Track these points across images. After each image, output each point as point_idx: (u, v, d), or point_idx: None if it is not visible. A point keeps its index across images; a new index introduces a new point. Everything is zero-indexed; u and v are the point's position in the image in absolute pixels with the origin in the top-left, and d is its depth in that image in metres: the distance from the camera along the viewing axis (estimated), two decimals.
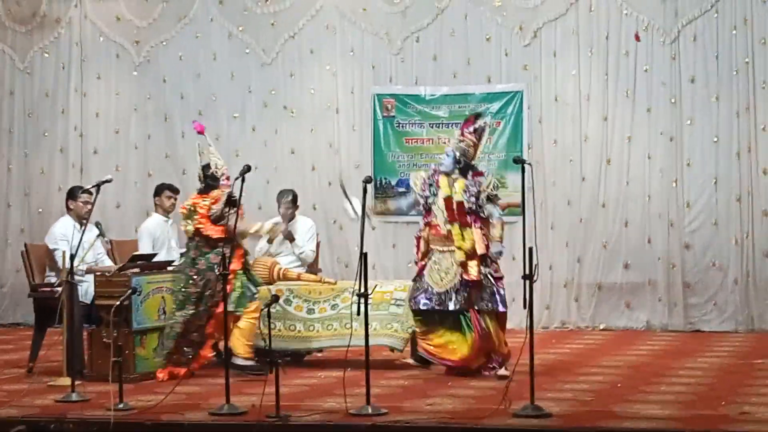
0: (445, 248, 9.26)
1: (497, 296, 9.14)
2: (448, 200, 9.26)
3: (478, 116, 9.62)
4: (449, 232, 9.21)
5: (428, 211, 9.40)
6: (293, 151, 13.54)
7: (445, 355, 9.34)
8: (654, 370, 9.49)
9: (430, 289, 9.27)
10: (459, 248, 9.18)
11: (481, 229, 9.21)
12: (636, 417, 7.29)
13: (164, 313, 9.48)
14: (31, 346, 9.88)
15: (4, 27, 14.26)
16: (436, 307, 9.24)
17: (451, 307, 9.17)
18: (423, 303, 9.30)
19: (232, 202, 8.98)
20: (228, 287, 8.84)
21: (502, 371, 9.05)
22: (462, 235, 9.19)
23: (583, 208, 12.80)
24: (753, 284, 12.31)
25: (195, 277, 9.20)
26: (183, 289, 9.24)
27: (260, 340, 8.87)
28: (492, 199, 9.27)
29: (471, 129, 9.40)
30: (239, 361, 9.15)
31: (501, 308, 9.13)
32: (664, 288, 12.54)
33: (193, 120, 9.83)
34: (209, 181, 9.35)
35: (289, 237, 10.93)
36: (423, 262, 9.38)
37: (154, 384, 8.96)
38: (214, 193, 9.26)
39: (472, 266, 9.08)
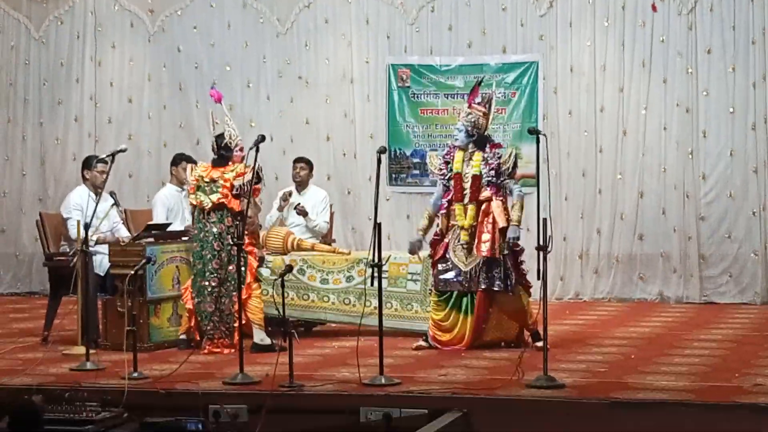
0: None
1: (511, 276, 9.02)
2: (456, 177, 9.18)
3: (480, 83, 9.55)
4: (455, 209, 9.15)
5: (448, 189, 9.27)
6: (308, 120, 13.51)
7: (439, 333, 9.20)
8: (668, 341, 9.49)
9: (457, 268, 9.09)
10: (461, 226, 9.11)
11: (502, 202, 9.09)
12: (649, 388, 7.29)
13: (178, 282, 9.50)
14: (45, 315, 9.92)
15: None
16: (463, 288, 9.07)
17: (482, 287, 9.00)
18: (452, 282, 9.09)
19: (261, 177, 8.94)
20: (253, 258, 9.02)
21: (539, 344, 8.73)
22: (465, 212, 9.12)
23: (598, 180, 12.75)
24: None
25: (221, 252, 9.12)
26: (208, 265, 9.13)
27: (273, 310, 8.86)
28: (511, 174, 9.10)
29: (478, 99, 9.31)
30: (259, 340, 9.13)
31: (510, 289, 9.01)
32: (679, 259, 12.51)
33: (211, 87, 9.75)
34: (223, 151, 9.25)
35: (302, 212, 10.91)
36: (446, 241, 9.19)
37: (169, 353, 9.00)
38: (239, 167, 9.14)
39: (486, 242, 9.01)
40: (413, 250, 9.40)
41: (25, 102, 14.26)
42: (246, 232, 8.76)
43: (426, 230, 9.47)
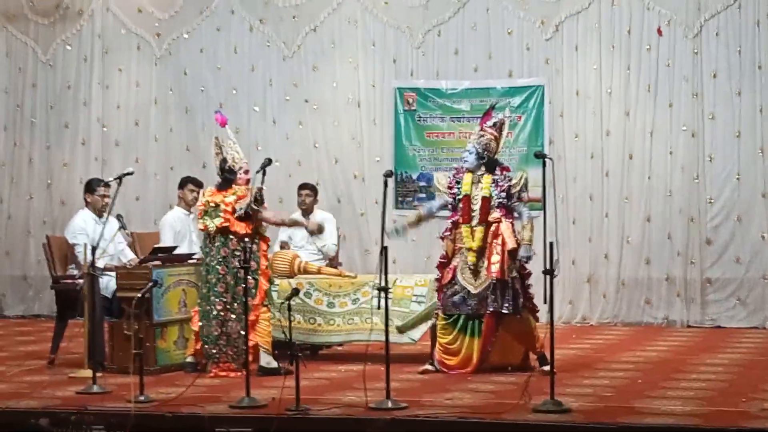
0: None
1: (519, 299, 9.01)
2: (465, 198, 9.18)
3: (494, 107, 9.54)
4: (462, 231, 9.13)
5: (456, 209, 9.26)
6: (316, 144, 13.54)
7: (446, 357, 9.18)
8: (674, 366, 9.46)
9: (466, 292, 9.06)
10: (469, 249, 9.10)
11: (511, 223, 9.09)
12: (656, 413, 7.26)
13: (185, 305, 9.50)
14: (52, 338, 9.91)
15: (26, 19, 14.32)
16: (472, 311, 9.02)
17: (490, 309, 8.97)
18: (461, 305, 9.05)
19: (259, 200, 8.93)
20: (264, 280, 9.03)
21: (546, 368, 8.58)
22: (472, 234, 9.11)
23: (605, 203, 12.75)
24: None
25: (227, 276, 9.14)
26: (213, 289, 9.15)
27: (280, 333, 8.85)
28: (520, 197, 9.12)
29: (491, 123, 9.31)
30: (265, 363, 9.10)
31: (518, 312, 8.98)
32: (686, 284, 12.49)
33: (215, 111, 9.81)
34: (227, 175, 9.27)
35: (320, 229, 10.92)
36: (454, 265, 9.15)
37: (175, 376, 8.98)
38: (240, 189, 9.17)
39: (495, 263, 9.01)
40: (390, 234, 9.15)
41: (32, 125, 14.32)
42: (260, 248, 8.93)
43: (411, 225, 9.55)
